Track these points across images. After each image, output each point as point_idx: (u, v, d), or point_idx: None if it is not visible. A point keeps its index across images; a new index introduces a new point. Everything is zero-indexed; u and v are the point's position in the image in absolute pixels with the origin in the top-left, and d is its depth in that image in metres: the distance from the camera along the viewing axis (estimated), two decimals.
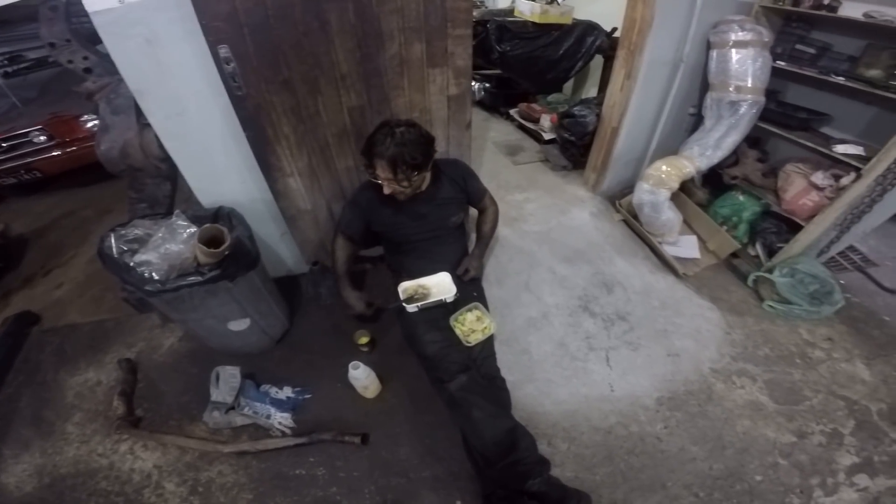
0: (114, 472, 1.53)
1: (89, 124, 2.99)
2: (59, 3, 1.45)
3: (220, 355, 1.78)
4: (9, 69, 4.08)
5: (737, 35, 1.92)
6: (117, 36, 1.27)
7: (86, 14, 1.22)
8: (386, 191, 1.47)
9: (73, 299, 2.25)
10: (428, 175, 1.58)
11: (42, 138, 3.01)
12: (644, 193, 2.15)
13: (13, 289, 2.40)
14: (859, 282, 2.21)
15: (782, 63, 2.00)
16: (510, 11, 3.12)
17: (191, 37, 1.29)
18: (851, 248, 2.36)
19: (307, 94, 1.50)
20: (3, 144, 2.96)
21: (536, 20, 2.77)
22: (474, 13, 3.27)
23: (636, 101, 2.18)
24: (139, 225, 1.51)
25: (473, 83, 3.49)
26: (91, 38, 1.47)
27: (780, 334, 1.91)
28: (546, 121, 2.96)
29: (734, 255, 2.23)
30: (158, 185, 1.84)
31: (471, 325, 1.64)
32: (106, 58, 1.35)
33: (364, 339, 1.75)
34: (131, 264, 1.37)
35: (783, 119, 2.05)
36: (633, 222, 2.35)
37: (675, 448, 1.52)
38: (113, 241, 1.43)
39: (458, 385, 1.40)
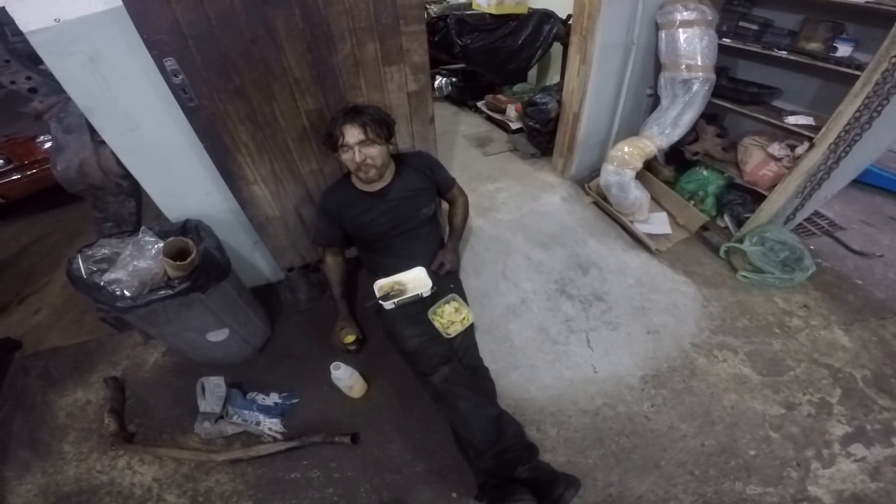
0: (115, 487, 1.52)
1: (47, 145, 2.90)
2: None
3: (204, 367, 1.75)
4: None
5: (682, 15, 1.94)
6: (57, 55, 1.23)
7: (22, 33, 1.18)
8: (357, 158, 1.43)
9: (53, 323, 2.19)
10: (392, 163, 1.60)
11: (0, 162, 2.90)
12: (610, 175, 2.17)
13: None
14: (829, 246, 2.26)
15: (728, 40, 2.04)
16: (468, 5, 3.11)
17: (136, 51, 1.24)
18: (817, 213, 2.42)
19: (262, 101, 1.47)
20: None
21: (493, 11, 2.76)
22: (434, 9, 3.26)
23: (593, 84, 2.19)
24: (105, 244, 1.46)
25: (440, 79, 3.48)
26: (33, 58, 1.41)
27: (757, 304, 1.92)
28: (511, 111, 2.96)
29: (704, 227, 2.27)
30: (122, 203, 1.78)
31: (449, 317, 1.64)
32: (51, 76, 1.29)
33: (350, 339, 1.73)
34: (101, 284, 1.33)
35: (735, 95, 2.09)
36: (603, 204, 2.37)
37: (664, 426, 1.52)
38: (80, 262, 1.39)
39: (441, 377, 1.39)
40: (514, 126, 2.93)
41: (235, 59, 1.34)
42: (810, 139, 1.77)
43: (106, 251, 1.45)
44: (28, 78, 1.47)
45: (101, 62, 1.27)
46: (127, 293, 1.32)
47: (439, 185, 1.77)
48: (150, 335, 1.92)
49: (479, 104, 3.39)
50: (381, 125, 1.46)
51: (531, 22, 2.71)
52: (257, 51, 1.36)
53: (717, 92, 2.07)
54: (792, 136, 1.95)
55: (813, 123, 1.82)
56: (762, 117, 1.97)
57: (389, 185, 1.62)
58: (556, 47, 2.91)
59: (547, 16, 2.73)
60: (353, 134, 1.41)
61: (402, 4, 1.46)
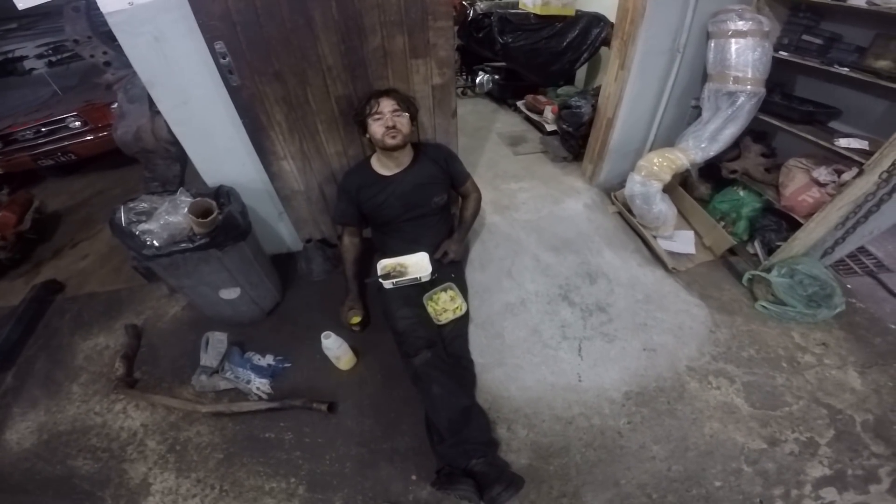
0: (105, 429, 1.75)
1: None
2: (80, 4, 1.73)
3: (215, 323, 2.02)
4: (53, 58, 4.57)
5: (736, 24, 1.95)
6: (129, 34, 1.51)
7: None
8: (389, 123, 1.66)
9: (95, 270, 2.60)
10: (411, 150, 1.83)
11: (77, 123, 3.43)
12: (636, 185, 2.23)
13: (44, 259, 2.80)
14: (869, 288, 2.18)
15: (785, 54, 2.01)
16: (514, 3, 3.25)
17: (192, 34, 1.52)
18: (864, 250, 2.32)
19: (297, 85, 1.71)
20: (43, 129, 3.40)
21: (538, 11, 2.88)
22: (481, 5, 3.43)
23: (631, 91, 2.24)
24: (147, 199, 1.77)
25: (482, 75, 3.64)
26: (111, 35, 1.75)
27: (770, 336, 1.91)
28: (548, 112, 3.06)
29: (732, 252, 2.26)
30: (169, 166, 2.12)
31: (444, 305, 1.82)
32: (122, 52, 1.60)
33: (356, 319, 1.91)
34: (136, 232, 1.63)
35: (786, 112, 2.06)
36: (627, 215, 2.43)
37: (635, 445, 1.56)
38: (122, 212, 1.70)
39: (422, 360, 1.54)
40: (549, 128, 3.03)
41: (276, 45, 1.59)
42: (860, 165, 1.71)
43: (146, 205, 1.75)
44: (105, 52, 1.82)
45: (164, 42, 1.55)
46: (155, 243, 1.61)
47: (453, 178, 1.95)
48: (173, 288, 2.23)
49: (519, 103, 3.52)
50: (408, 101, 1.73)
51: (578, 24, 2.81)
52: (296, 39, 1.60)
53: (766, 108, 2.05)
54: (842, 161, 1.89)
55: (867, 148, 1.77)
56: (810, 137, 1.92)
57: (405, 171, 1.83)
58: (607, 51, 2.96)
59: (597, 19, 2.81)
60: (387, 104, 1.66)
61: (432, 0, 1.64)
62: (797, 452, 1.53)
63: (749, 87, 1.98)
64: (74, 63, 4.29)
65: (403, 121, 1.69)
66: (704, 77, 2.18)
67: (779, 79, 2.08)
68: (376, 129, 1.68)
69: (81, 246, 2.85)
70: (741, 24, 1.95)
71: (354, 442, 1.64)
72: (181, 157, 2.11)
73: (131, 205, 1.75)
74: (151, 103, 1.84)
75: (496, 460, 1.45)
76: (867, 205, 1.77)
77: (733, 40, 1.97)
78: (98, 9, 1.46)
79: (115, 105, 3.33)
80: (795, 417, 1.63)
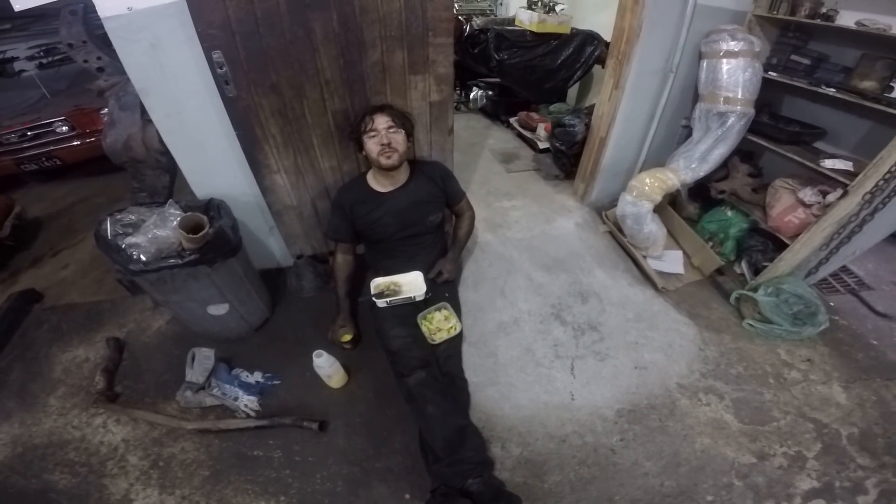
0: (84, 444, 1.69)
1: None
2: (78, 8, 1.69)
3: (201, 339, 1.96)
4: (44, 60, 4.48)
5: (728, 45, 1.99)
6: (125, 40, 1.48)
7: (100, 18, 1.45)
8: (384, 140, 1.63)
9: (77, 280, 2.50)
10: (407, 167, 1.80)
11: (64, 128, 3.35)
12: (627, 205, 2.25)
13: (22, 268, 2.69)
14: (850, 305, 2.24)
15: (774, 74, 2.05)
16: (511, 21, 3.31)
17: (190, 42, 1.49)
18: (845, 269, 2.38)
19: (293, 98, 1.69)
20: (29, 133, 3.31)
21: (535, 29, 2.93)
22: (478, 21, 3.48)
23: (624, 110, 2.28)
24: (134, 211, 1.72)
25: (476, 90, 3.68)
26: (106, 41, 1.71)
27: (757, 353, 1.95)
28: (541, 130, 3.09)
29: (720, 272, 2.29)
30: (158, 177, 2.07)
31: (438, 324, 1.79)
32: (117, 58, 1.57)
33: (347, 338, 1.88)
34: (122, 246, 1.57)
35: (773, 132, 2.10)
36: (618, 235, 2.45)
37: (627, 462, 1.57)
38: (109, 224, 1.64)
39: (417, 380, 1.52)
40: (542, 145, 3.06)
41: (275, 57, 1.57)
42: (844, 186, 1.74)
43: (133, 217, 1.70)
44: (99, 58, 1.77)
45: (160, 50, 1.52)
46: (143, 257, 1.55)
47: (448, 196, 1.93)
48: (158, 302, 2.16)
49: (512, 120, 3.55)
50: (404, 118, 1.71)
51: (573, 43, 2.85)
52: (295, 51, 1.58)
53: (754, 128, 2.09)
54: (827, 182, 1.92)
55: (851, 169, 1.81)
56: (796, 158, 1.96)
57: (401, 188, 1.81)
58: (600, 70, 3.02)
59: (591, 37, 2.86)
60: (382, 120, 1.64)
61: (433, 17, 1.65)
62: (786, 466, 1.56)
63: (739, 107, 2.02)
64: (65, 66, 4.22)
65: (399, 138, 1.68)
66: (695, 97, 2.22)
67: (767, 99, 2.13)
68: (371, 146, 1.67)
69: (63, 255, 2.76)
70: (733, 45, 1.99)
71: (346, 460, 1.61)
72: (171, 168, 2.06)
73: (118, 216, 1.69)
74: (143, 112, 1.80)
75: (492, 479, 1.43)
76: (850, 225, 1.82)
77: (725, 60, 2.01)
78: (95, 12, 1.43)
79: (105, 111, 3.30)
80: (783, 432, 1.66)
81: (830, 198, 1.86)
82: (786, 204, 2.06)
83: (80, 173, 3.71)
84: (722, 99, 2.04)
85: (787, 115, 2.22)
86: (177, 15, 1.45)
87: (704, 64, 2.10)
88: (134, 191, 2.10)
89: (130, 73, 1.57)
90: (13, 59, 4.46)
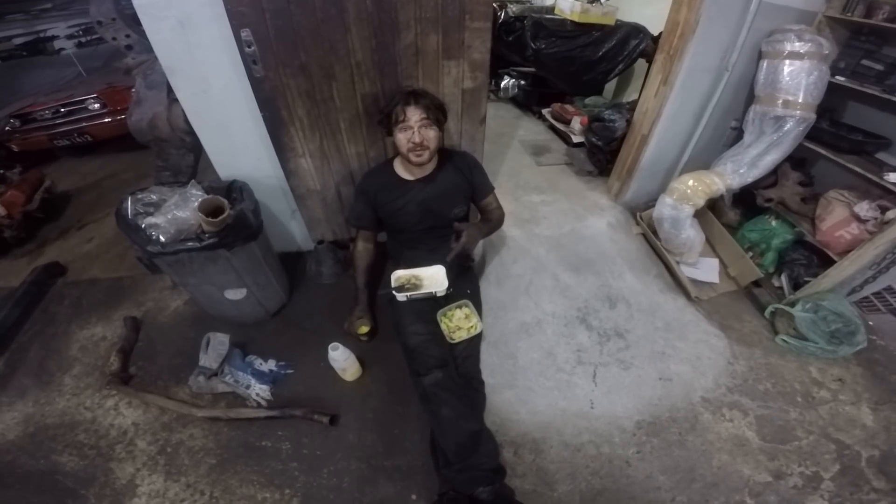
0: (94, 425, 1.69)
1: None
2: None
3: (217, 322, 1.95)
4: (82, 39, 4.59)
5: (793, 45, 1.86)
6: (153, 17, 1.45)
7: None
8: (416, 139, 1.54)
9: (100, 254, 2.54)
10: (435, 156, 1.69)
11: (96, 105, 3.43)
12: (665, 207, 2.14)
13: (49, 239, 2.75)
14: (891, 325, 2.09)
15: (842, 78, 1.92)
16: (550, 9, 3.16)
17: (218, 20, 1.45)
18: (889, 289, 2.23)
19: (322, 79, 1.63)
20: (62, 109, 3.41)
21: (576, 19, 2.79)
22: (514, 8, 3.35)
23: (671, 108, 2.16)
24: (156, 191, 1.70)
25: (508, 79, 3.56)
26: (135, 18, 1.69)
27: (788, 370, 1.88)
28: (577, 123, 2.98)
29: (756, 283, 2.18)
30: (182, 156, 2.06)
31: (458, 322, 1.72)
32: (145, 36, 1.54)
33: (364, 330, 1.83)
34: (142, 226, 1.55)
35: (834, 140, 1.97)
36: (651, 237, 2.34)
37: (641, 475, 1.53)
38: (129, 203, 1.63)
39: (433, 380, 1.47)
40: (576, 139, 2.95)
41: (305, 36, 1.51)
42: None
43: (154, 197, 1.68)
44: (127, 36, 1.76)
45: (188, 27, 1.48)
46: (161, 238, 1.53)
47: (475, 189, 1.84)
48: (176, 283, 2.16)
49: (545, 111, 3.44)
50: (439, 110, 1.59)
51: (617, 35, 2.72)
52: (326, 30, 1.52)
53: (812, 134, 1.97)
54: (888, 197, 1.82)
55: None
56: (857, 169, 1.84)
57: (428, 177, 1.73)
58: (641, 64, 2.88)
59: (636, 30, 2.72)
60: (415, 114, 1.52)
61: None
62: (800, 486, 1.53)
63: (799, 111, 1.89)
64: (103, 45, 4.30)
65: (431, 135, 1.58)
66: (749, 98, 2.10)
67: (828, 104, 1.99)
68: (402, 141, 1.58)
69: (88, 228, 2.81)
70: (798, 46, 1.86)
71: (354, 456, 1.58)
72: (195, 148, 2.05)
73: (140, 195, 1.67)
74: (170, 90, 1.77)
75: (503, 489, 1.39)
76: None
77: (787, 62, 1.89)
78: None
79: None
80: (804, 451, 1.62)
81: (891, 214, 1.74)
82: (838, 217, 1.93)
83: (110, 149, 3.78)
84: (780, 102, 1.91)
85: (849, 123, 2.07)
86: None
87: (764, 64, 1.97)
88: (158, 169, 2.10)
89: (158, 51, 1.54)
90: (53, 37, 4.59)
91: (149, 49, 1.61)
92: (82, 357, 1.96)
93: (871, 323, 2.07)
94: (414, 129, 1.54)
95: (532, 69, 3.35)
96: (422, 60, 1.68)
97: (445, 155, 1.79)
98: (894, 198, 1.76)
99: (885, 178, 1.76)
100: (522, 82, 3.59)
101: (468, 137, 1.98)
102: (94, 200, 3.15)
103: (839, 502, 1.48)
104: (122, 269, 2.38)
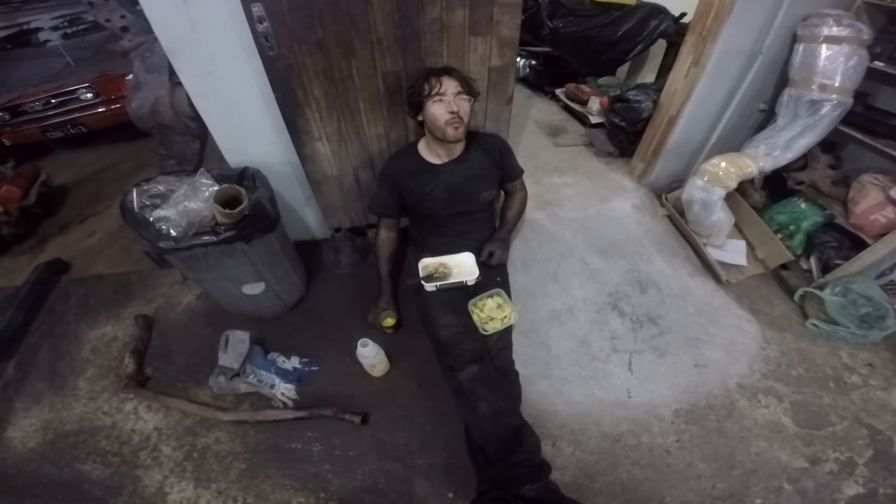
0: (115, 431, 1.61)
1: None
2: None
3: (234, 318, 1.84)
4: (68, 31, 4.42)
5: (830, 30, 1.78)
6: None
7: None
8: (454, 108, 1.45)
9: (104, 248, 2.40)
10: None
11: (89, 95, 3.27)
12: (696, 190, 2.04)
13: (50, 235, 2.62)
14: None
15: (881, 64, 1.84)
16: None
17: None
18: None
19: (341, 57, 1.49)
20: (53, 100, 3.24)
21: None
22: None
23: (701, 90, 2.06)
24: (162, 181, 1.56)
25: (519, 59, 3.40)
26: None
27: (819, 355, 1.83)
28: (595, 103, 2.85)
29: (784, 266, 2.11)
30: (187, 143, 1.92)
31: (490, 313, 1.61)
32: (142, 16, 1.39)
33: (390, 322, 1.72)
34: (150, 219, 1.42)
35: (869, 124, 1.90)
36: (678, 219, 2.24)
37: (682, 463, 1.50)
38: (135, 195, 1.49)
39: (469, 375, 1.38)
40: (594, 120, 2.82)
41: (322, 9, 1.37)
42: None
43: (161, 188, 1.54)
44: (122, 17, 1.61)
45: (192, 4, 1.33)
46: (173, 232, 1.40)
47: (505, 172, 1.74)
48: (189, 278, 2.04)
49: (558, 91, 3.30)
50: (471, 85, 1.50)
51: (637, 14, 2.58)
52: (346, 3, 1.37)
53: (847, 119, 1.90)
54: None
55: None
56: (894, 153, 1.78)
57: (456, 160, 1.62)
58: (658, 45, 2.76)
59: (657, 10, 2.59)
60: (451, 85, 1.44)
61: None
62: (836, 471, 1.51)
63: (835, 96, 1.81)
64: (90, 35, 4.18)
65: (466, 107, 1.48)
66: (781, 81, 2.02)
67: (862, 88, 1.91)
68: (438, 112, 1.46)
69: (89, 222, 2.67)
70: (836, 30, 1.78)
71: (388, 456, 1.50)
72: (201, 134, 1.91)
73: (145, 187, 1.53)
74: (172, 73, 1.64)
75: (550, 485, 1.31)
76: None
77: (825, 46, 1.80)
78: None
79: (130, 76, 3.15)
80: (838, 437, 1.59)
81: None
82: (873, 201, 1.86)
83: (106, 140, 3.63)
84: (816, 86, 1.83)
85: (883, 108, 1.98)
86: None
87: (800, 48, 1.88)
88: (161, 158, 1.95)
89: (158, 31, 1.39)
90: (37, 29, 4.45)
91: (146, 30, 1.48)
92: (95, 359, 1.85)
93: None
94: (450, 100, 1.44)
95: (544, 49, 3.19)
96: (447, 36, 1.54)
97: (472, 136, 1.67)
98: None
99: None
100: (533, 62, 3.45)
101: (493, 118, 1.86)
102: (93, 193, 3.00)
103: (873, 487, 1.47)
104: (128, 264, 2.25)
